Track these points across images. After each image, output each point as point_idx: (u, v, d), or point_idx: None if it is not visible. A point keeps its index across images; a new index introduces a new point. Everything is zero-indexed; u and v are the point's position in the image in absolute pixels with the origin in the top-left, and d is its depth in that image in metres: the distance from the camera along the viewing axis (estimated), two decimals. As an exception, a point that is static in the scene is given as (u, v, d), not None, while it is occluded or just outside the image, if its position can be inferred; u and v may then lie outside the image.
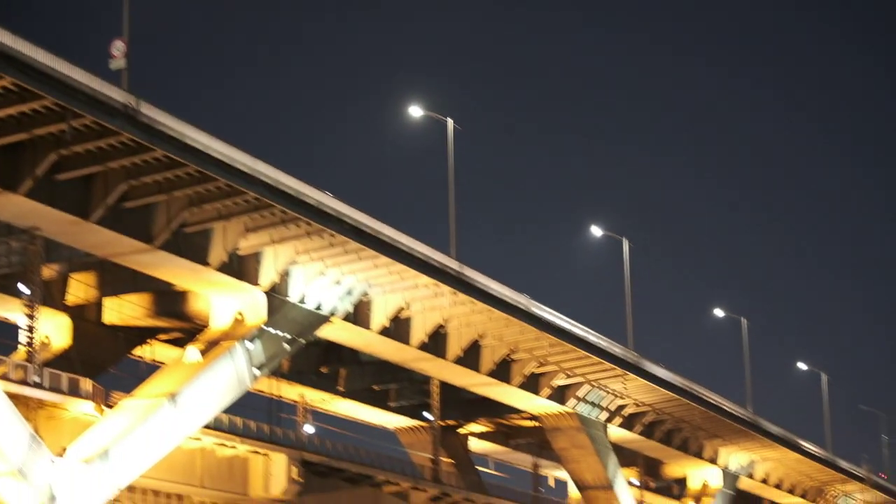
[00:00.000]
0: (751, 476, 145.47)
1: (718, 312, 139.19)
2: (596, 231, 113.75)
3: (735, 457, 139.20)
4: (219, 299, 75.17)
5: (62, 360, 76.19)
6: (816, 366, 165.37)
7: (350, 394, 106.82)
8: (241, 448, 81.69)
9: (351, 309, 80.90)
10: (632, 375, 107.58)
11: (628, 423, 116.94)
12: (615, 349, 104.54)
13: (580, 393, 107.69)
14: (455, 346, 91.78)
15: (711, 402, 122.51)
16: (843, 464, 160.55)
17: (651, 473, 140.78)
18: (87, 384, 67.74)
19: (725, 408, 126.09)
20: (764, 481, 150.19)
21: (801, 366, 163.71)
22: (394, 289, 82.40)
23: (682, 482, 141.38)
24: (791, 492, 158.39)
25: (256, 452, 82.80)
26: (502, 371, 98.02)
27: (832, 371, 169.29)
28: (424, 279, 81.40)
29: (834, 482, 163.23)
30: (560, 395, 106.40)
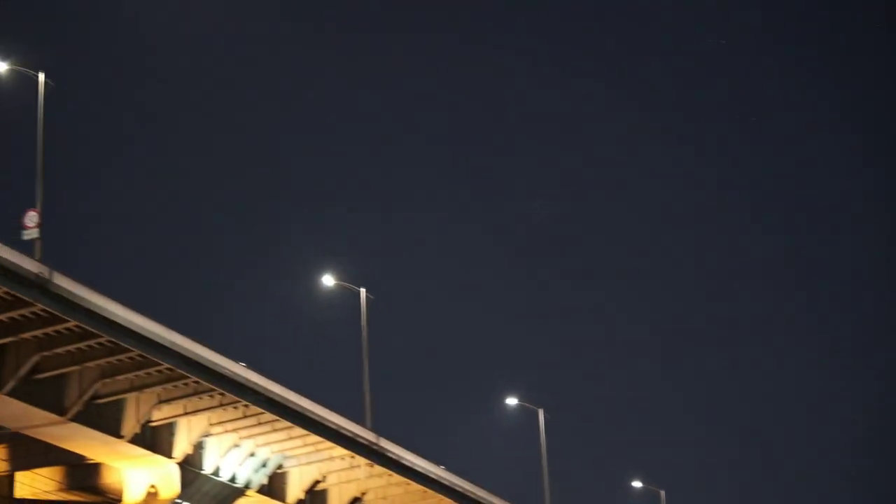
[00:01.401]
0: None
1: (636, 483, 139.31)
2: (511, 401, 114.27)
3: None
4: (132, 472, 74.57)
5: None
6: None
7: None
8: None
9: (266, 481, 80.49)
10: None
11: None
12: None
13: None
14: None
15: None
16: None
17: None
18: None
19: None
20: None
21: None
22: (309, 460, 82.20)
23: None
24: None
25: None
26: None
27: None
28: (340, 450, 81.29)
29: None
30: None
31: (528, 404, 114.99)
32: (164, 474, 73.87)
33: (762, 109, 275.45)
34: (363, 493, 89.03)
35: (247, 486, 78.55)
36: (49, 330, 62.64)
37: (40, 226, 62.58)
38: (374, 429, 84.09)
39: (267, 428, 76.19)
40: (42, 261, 60.33)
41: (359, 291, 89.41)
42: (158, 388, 69.93)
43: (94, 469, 78.82)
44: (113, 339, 64.11)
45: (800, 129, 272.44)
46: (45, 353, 64.08)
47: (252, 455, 78.34)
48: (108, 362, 66.52)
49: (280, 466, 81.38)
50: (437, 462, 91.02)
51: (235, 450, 77.15)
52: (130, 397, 69.78)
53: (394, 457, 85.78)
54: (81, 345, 64.36)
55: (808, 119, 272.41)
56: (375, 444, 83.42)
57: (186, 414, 72.62)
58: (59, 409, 66.59)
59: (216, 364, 69.99)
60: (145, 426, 71.62)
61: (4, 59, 66.13)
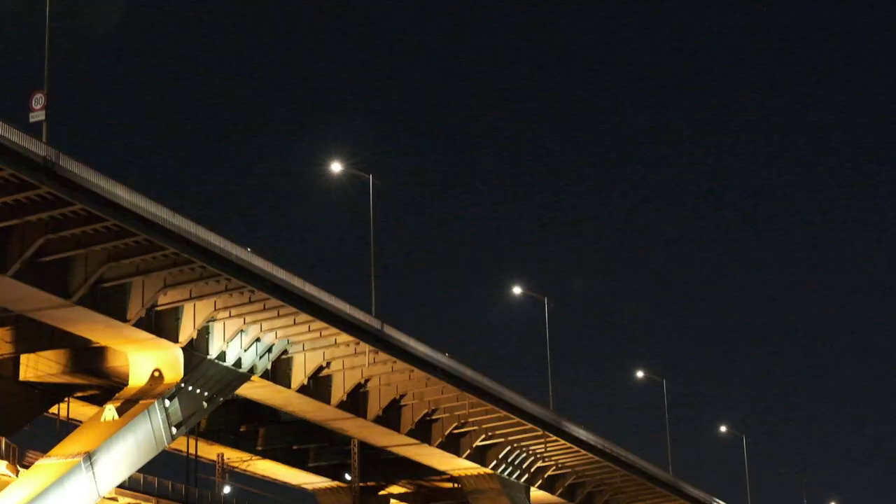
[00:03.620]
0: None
1: (639, 374, 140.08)
2: (517, 290, 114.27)
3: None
4: (136, 356, 74.48)
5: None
6: (737, 428, 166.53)
7: (269, 454, 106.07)
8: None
9: (270, 367, 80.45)
10: (553, 436, 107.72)
11: (549, 486, 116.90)
12: (536, 409, 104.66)
13: (501, 454, 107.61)
14: (375, 405, 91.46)
15: (633, 464, 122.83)
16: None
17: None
18: (0, 443, 66.73)
19: (646, 470, 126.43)
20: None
21: (723, 428, 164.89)
22: (314, 346, 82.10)
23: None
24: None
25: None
26: (423, 431, 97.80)
27: (753, 434, 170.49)
28: (345, 337, 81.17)
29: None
30: (481, 456, 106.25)
31: (532, 293, 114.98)
32: (168, 358, 73.77)
33: None
34: (367, 380, 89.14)
35: (251, 371, 78.48)
36: (55, 213, 62.03)
37: (46, 107, 61.67)
38: (379, 316, 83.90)
39: (272, 313, 75.90)
40: (49, 143, 59.57)
41: (367, 178, 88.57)
42: (164, 273, 69.52)
43: (99, 352, 78.90)
44: (118, 223, 63.56)
45: None
46: (51, 237, 63.50)
47: (257, 340, 78.17)
48: (113, 246, 66.01)
49: (284, 352, 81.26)
50: (440, 350, 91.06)
51: (240, 335, 76.95)
52: (136, 281, 69.38)
53: (398, 344, 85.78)
54: (87, 228, 63.78)
55: None
56: (380, 331, 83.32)
57: (192, 299, 72.28)
58: (64, 293, 66.21)
59: (222, 248, 69.49)
60: (150, 310, 71.33)
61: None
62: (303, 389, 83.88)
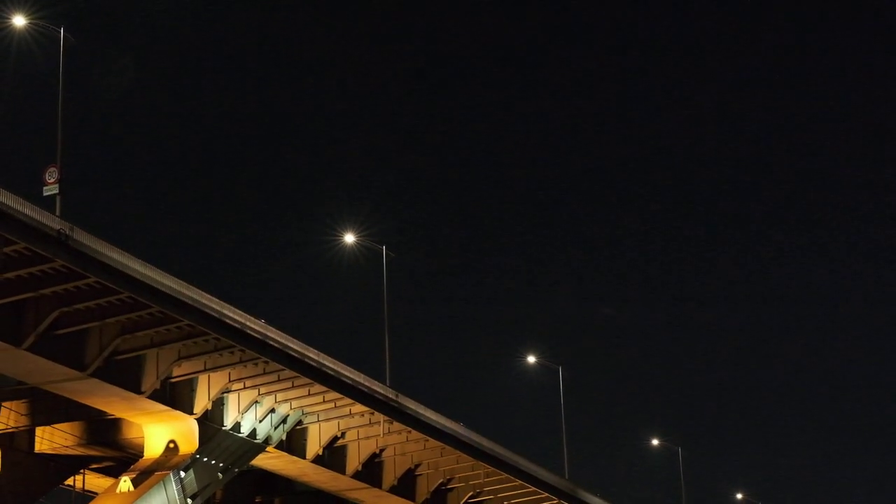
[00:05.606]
0: None
1: (654, 441, 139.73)
2: (531, 359, 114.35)
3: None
4: (151, 428, 74.68)
5: (-8, 490, 75.24)
6: (752, 496, 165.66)
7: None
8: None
9: (285, 437, 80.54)
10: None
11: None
12: (551, 478, 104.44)
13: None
14: (390, 475, 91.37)
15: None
16: None
17: None
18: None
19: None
20: None
21: (738, 496, 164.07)
22: (328, 417, 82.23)
23: None
24: None
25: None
26: (438, 500, 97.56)
27: (768, 499, 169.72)
28: (359, 407, 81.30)
29: None
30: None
31: (547, 362, 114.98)
32: (183, 430, 73.93)
33: None
34: (382, 450, 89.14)
35: (266, 442, 78.61)
36: (69, 286, 62.48)
37: (60, 181, 62.33)
38: (393, 385, 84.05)
39: (286, 384, 76.13)
40: (62, 216, 60.12)
41: (381, 249, 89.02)
42: (178, 345, 69.86)
43: (114, 424, 79.10)
44: (133, 295, 63.96)
45: None
46: (65, 309, 63.95)
47: (272, 411, 78.35)
48: (128, 318, 66.39)
49: (299, 422, 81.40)
50: (455, 420, 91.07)
51: (255, 406, 77.16)
52: (150, 353, 69.70)
53: (412, 413, 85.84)
54: (101, 300, 64.22)
55: None
56: (394, 401, 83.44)
57: (206, 370, 72.58)
58: (79, 365, 66.55)
59: (236, 320, 69.88)
60: (165, 382, 71.60)
61: (23, 13, 65.44)
62: (318, 460, 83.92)
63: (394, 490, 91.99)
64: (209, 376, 73.55)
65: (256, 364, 73.10)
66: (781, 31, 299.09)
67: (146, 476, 72.65)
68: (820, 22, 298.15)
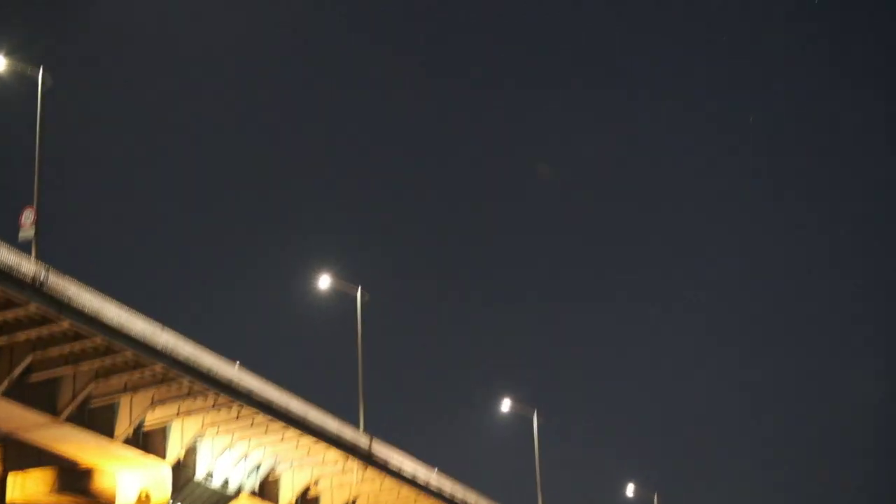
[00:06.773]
0: None
1: (630, 487, 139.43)
2: (505, 405, 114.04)
3: None
4: (124, 475, 74.27)
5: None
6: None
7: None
8: None
9: (258, 485, 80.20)
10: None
11: None
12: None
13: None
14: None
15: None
16: None
17: None
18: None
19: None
20: None
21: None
22: (302, 464, 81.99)
23: None
24: None
25: None
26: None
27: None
28: (333, 453, 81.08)
29: None
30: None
31: (521, 408, 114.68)
32: (156, 478, 73.55)
33: None
34: (355, 498, 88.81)
35: (239, 491, 78.21)
36: (43, 331, 62.24)
37: (37, 223, 62.18)
38: (369, 428, 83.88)
39: (260, 429, 75.95)
40: (38, 259, 59.96)
41: (355, 291, 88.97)
42: (152, 389, 69.65)
43: (87, 472, 78.41)
44: (107, 340, 63.74)
45: None
46: (39, 355, 63.68)
47: (245, 457, 78.04)
48: (101, 363, 66.18)
49: (273, 470, 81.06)
50: (430, 464, 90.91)
51: (229, 451, 76.84)
52: (124, 398, 69.50)
53: (385, 463, 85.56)
54: (75, 345, 64.02)
55: None
56: (365, 450, 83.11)
57: (180, 415, 72.33)
58: (53, 411, 66.27)
59: (210, 365, 69.73)
60: (139, 428, 71.33)
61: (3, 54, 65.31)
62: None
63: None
64: (182, 421, 73.28)
65: (230, 409, 72.89)
66: None
67: (119, 525, 72.24)
68: None
